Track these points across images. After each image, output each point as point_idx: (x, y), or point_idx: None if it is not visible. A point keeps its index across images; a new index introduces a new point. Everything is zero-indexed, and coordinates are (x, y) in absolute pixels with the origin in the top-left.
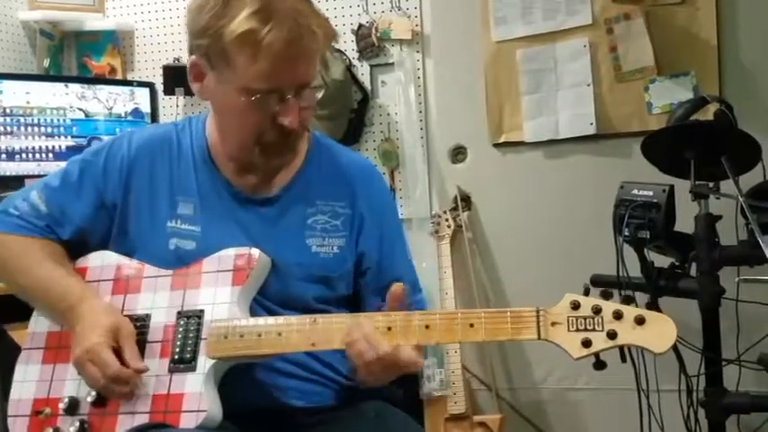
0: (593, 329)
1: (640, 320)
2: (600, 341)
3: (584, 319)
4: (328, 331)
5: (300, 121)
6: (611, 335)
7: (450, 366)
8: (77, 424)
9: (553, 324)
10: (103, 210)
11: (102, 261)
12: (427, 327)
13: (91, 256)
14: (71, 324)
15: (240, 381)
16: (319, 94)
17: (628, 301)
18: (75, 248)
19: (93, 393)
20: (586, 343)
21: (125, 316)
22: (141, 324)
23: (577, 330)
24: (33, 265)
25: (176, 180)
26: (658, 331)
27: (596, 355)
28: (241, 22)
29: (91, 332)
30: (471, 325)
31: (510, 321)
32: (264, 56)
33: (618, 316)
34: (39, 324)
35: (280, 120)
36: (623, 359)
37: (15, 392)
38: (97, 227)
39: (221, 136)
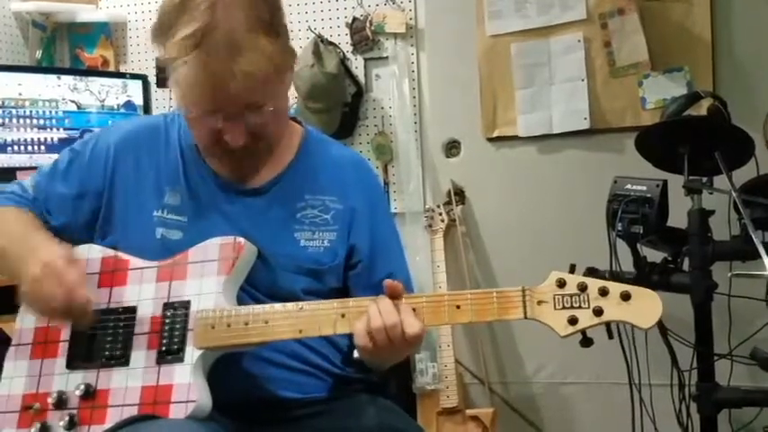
0: (579, 307)
1: (626, 296)
2: (586, 318)
3: (570, 296)
4: (315, 318)
5: (256, 135)
6: (597, 311)
7: (443, 360)
8: (67, 418)
9: (539, 303)
10: (86, 199)
11: (87, 254)
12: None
13: (76, 249)
14: (22, 262)
15: (231, 372)
16: (271, 112)
17: (615, 278)
18: (60, 239)
19: (82, 387)
20: (572, 320)
21: (111, 309)
22: (128, 316)
23: (563, 308)
24: (8, 221)
25: (164, 169)
26: (644, 306)
27: (583, 332)
28: (172, 44)
29: (45, 252)
30: (458, 306)
31: (496, 301)
32: (186, 82)
33: (603, 292)
34: (26, 320)
35: (224, 136)
36: (610, 336)
37: (4, 388)
38: (79, 216)
39: None
